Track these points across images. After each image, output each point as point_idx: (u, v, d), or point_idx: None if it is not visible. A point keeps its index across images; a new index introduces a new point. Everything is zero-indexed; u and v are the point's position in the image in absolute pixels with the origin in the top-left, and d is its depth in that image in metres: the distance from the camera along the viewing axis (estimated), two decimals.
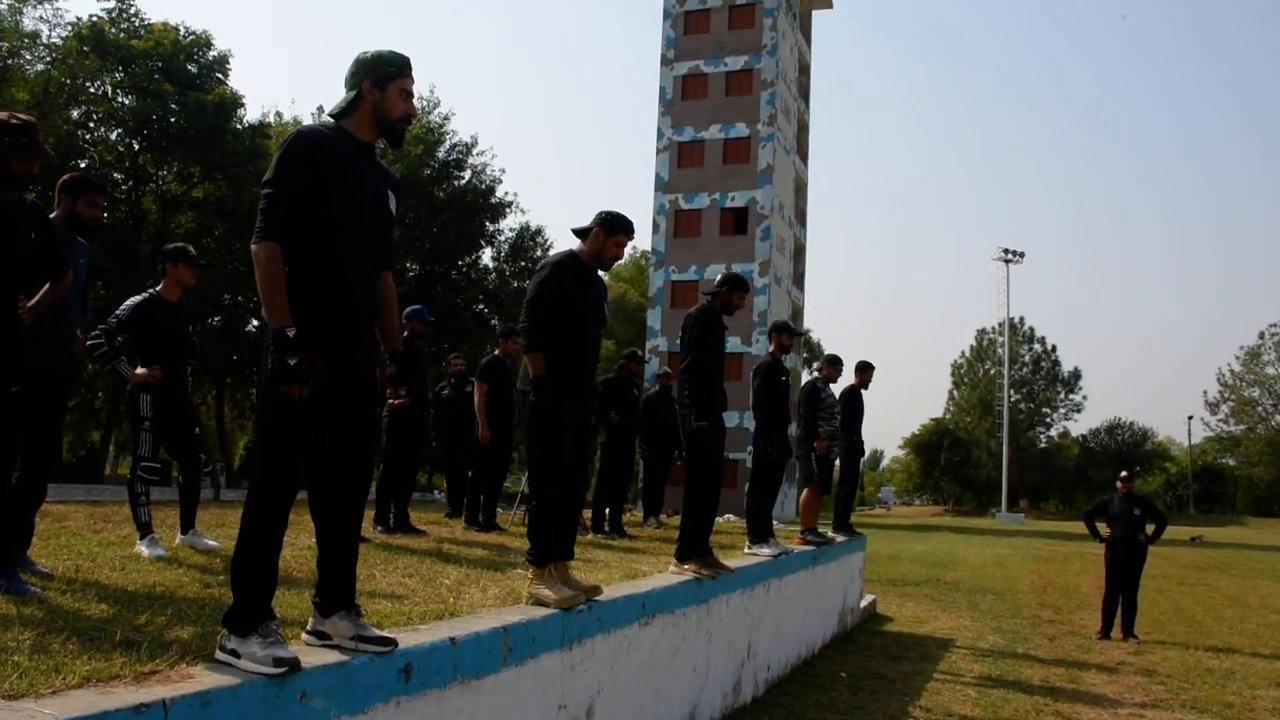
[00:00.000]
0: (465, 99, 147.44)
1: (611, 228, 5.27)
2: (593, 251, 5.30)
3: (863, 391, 11.43)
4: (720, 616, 6.82)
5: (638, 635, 5.44)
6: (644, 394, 11.81)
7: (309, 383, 3.29)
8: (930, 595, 15.47)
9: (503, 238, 44.33)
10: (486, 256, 44.35)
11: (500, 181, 44.56)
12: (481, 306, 42.03)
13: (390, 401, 8.41)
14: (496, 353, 9.71)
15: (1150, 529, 12.13)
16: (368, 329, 3.68)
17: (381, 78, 3.61)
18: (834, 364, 10.75)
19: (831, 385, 10.70)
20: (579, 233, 5.35)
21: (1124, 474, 12.68)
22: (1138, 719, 7.94)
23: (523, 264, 43.90)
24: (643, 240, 51.06)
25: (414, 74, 3.72)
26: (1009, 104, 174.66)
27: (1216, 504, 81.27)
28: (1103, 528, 12.28)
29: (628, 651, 5.33)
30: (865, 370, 11.54)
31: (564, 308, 5.12)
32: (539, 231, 45.18)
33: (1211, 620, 14.47)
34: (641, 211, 48.90)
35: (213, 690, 2.88)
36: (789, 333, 8.98)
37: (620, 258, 5.40)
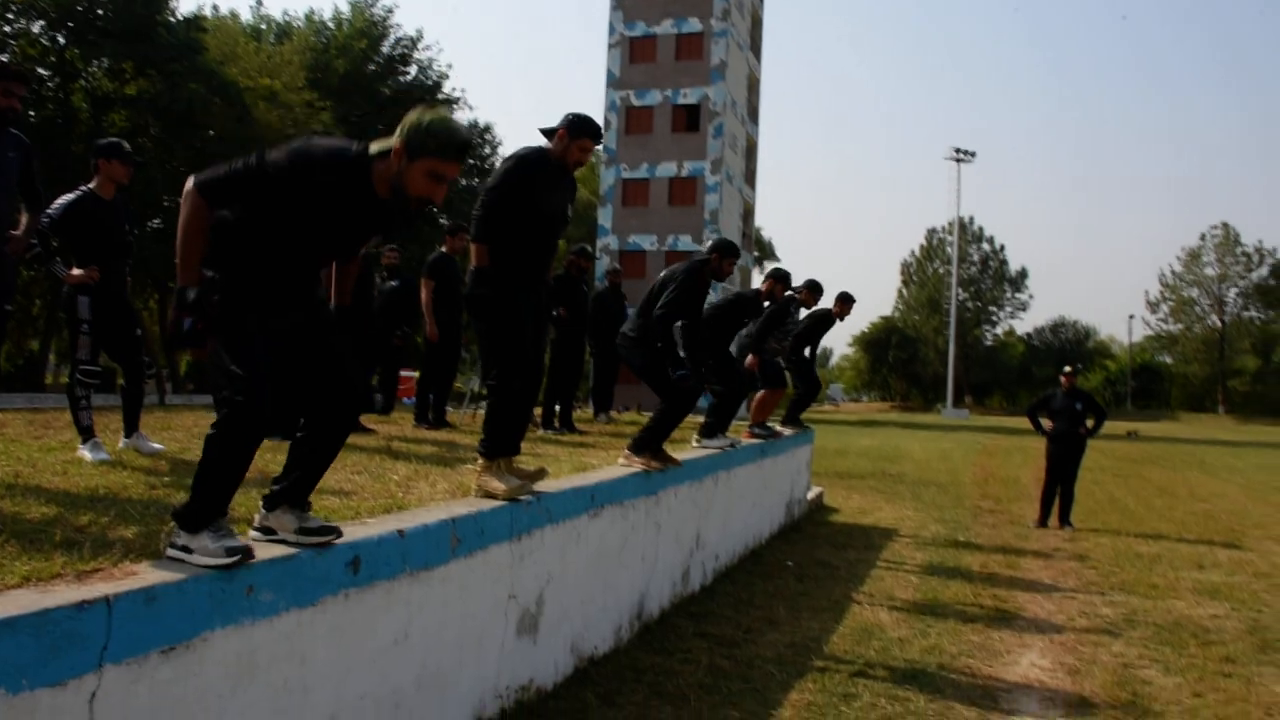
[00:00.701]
0: None
1: (577, 131, 5.16)
2: (558, 153, 5.20)
3: (836, 321, 11.59)
4: (668, 508, 6.93)
5: (587, 526, 5.52)
6: (593, 291, 11.78)
7: (204, 345, 3.24)
8: (876, 487, 15.82)
9: None
10: None
11: (447, 78, 43.72)
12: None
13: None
14: (443, 249, 9.60)
15: (1090, 423, 12.43)
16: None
17: (415, 149, 3.25)
18: (814, 291, 10.76)
19: (804, 310, 10.82)
20: (546, 133, 5.25)
21: (1068, 368, 12.93)
22: (1070, 601, 8.24)
23: (470, 161, 43.25)
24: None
25: (459, 161, 3.34)
26: (963, 3, 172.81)
27: (1153, 400, 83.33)
28: (1045, 422, 12.56)
29: (577, 542, 5.41)
30: (846, 302, 11.64)
31: (526, 205, 5.05)
32: (487, 129, 44.50)
33: (1142, 509, 14.95)
34: (593, 108, 48.17)
35: (157, 586, 2.87)
36: (785, 283, 9.60)
37: (584, 163, 5.28)
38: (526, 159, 5.14)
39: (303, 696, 3.42)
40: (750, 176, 51.83)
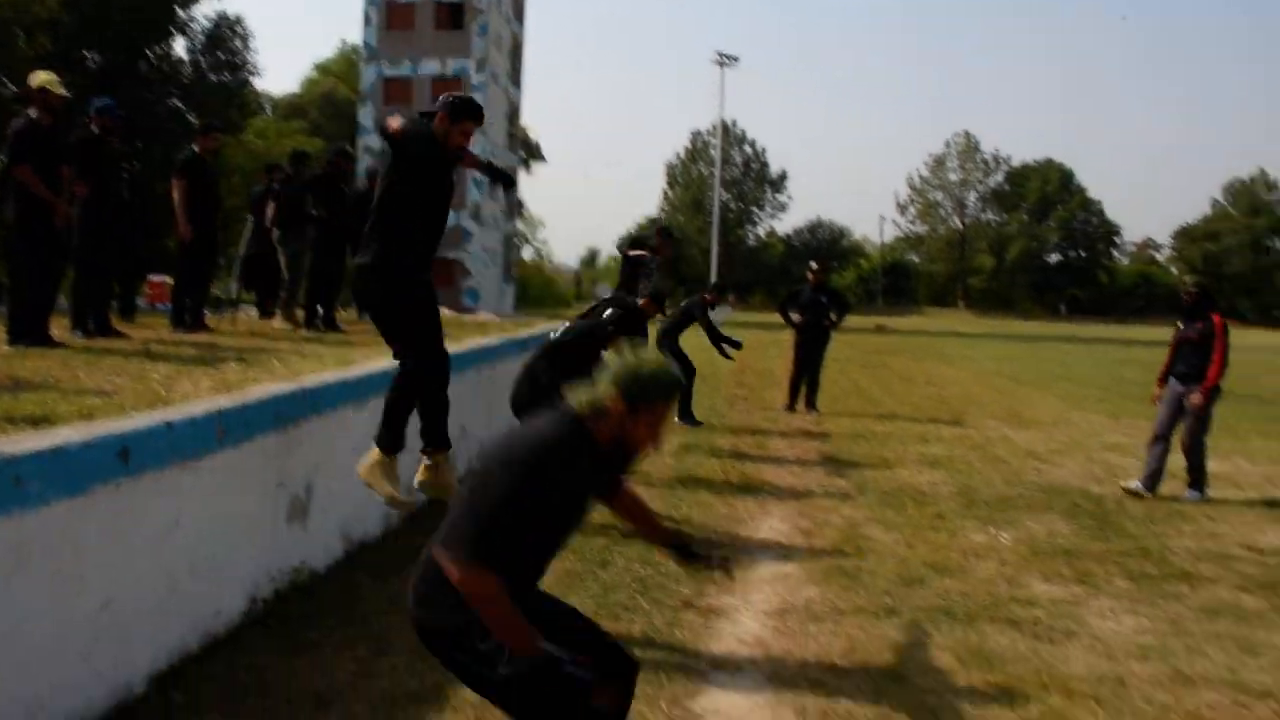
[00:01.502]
0: None
1: (456, 113, 4.83)
2: (439, 138, 4.85)
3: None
4: None
5: (352, 416, 5.74)
6: (353, 191, 11.69)
7: None
8: None
9: (197, 26, 40.91)
10: (180, 48, 40.93)
11: None
12: (176, 102, 39.04)
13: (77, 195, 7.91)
14: (195, 149, 9.33)
15: (834, 316, 13.41)
16: None
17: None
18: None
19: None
20: (425, 115, 4.93)
21: (814, 265, 13.85)
22: (809, 474, 9.08)
23: (220, 56, 40.93)
24: (353, 32, 48.52)
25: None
26: None
27: (902, 297, 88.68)
28: (795, 315, 13.44)
29: (343, 431, 5.63)
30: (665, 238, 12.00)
31: (404, 179, 4.83)
32: (239, 20, 41.98)
33: (882, 394, 16.29)
34: (351, 3, 46.21)
35: None
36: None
37: (465, 148, 4.93)
38: (419, 138, 4.80)
39: (78, 584, 3.56)
40: (516, 76, 51.23)
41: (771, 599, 5.47)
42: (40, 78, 7.23)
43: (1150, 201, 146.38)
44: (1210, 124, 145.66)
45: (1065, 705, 4.20)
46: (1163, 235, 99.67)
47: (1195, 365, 8.73)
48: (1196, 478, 8.73)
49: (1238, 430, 13.12)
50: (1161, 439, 8.80)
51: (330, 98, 63.30)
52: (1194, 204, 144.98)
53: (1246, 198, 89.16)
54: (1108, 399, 16.84)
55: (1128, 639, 5.06)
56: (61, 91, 7.23)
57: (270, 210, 10.43)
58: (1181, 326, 8.94)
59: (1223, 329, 8.73)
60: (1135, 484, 8.77)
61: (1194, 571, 6.37)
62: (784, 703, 4.13)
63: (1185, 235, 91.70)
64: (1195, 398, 8.63)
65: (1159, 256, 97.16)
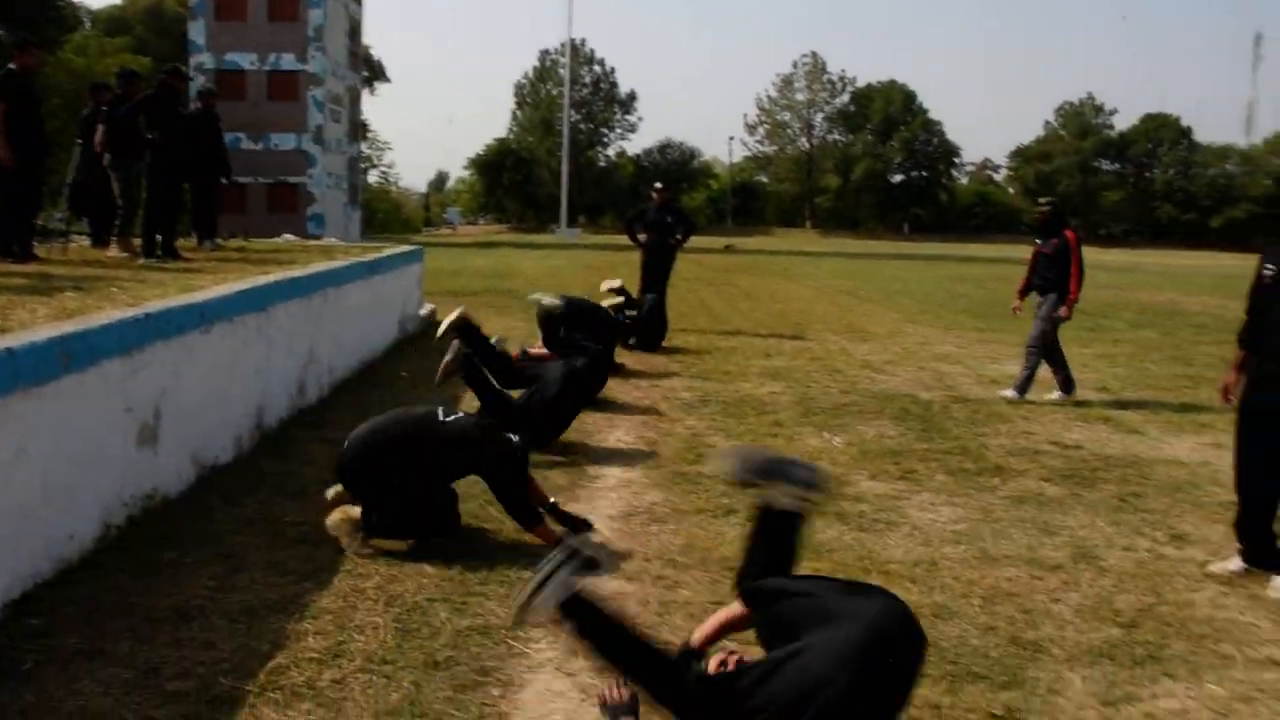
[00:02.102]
0: None
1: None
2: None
3: None
4: (279, 324, 7.21)
5: (199, 341, 5.75)
6: (187, 113, 11.34)
7: None
8: (488, 303, 16.54)
9: None
10: None
11: None
12: None
13: None
14: (13, 66, 8.90)
15: (679, 235, 13.68)
16: None
17: None
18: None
19: None
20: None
21: (658, 184, 14.09)
22: (655, 388, 9.42)
23: None
24: None
25: None
26: None
27: (751, 217, 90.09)
28: (641, 235, 13.65)
29: (190, 357, 5.64)
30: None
31: None
32: None
33: (729, 311, 16.79)
34: None
35: None
36: None
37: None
38: None
39: None
40: None
41: (617, 504, 5.78)
42: None
43: (988, 124, 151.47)
44: (1045, 48, 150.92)
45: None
46: (1000, 156, 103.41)
47: (1052, 278, 9.45)
48: (1021, 379, 9.55)
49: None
50: (1054, 348, 9.59)
51: (156, 11, 60.06)
52: (1030, 127, 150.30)
53: (1076, 120, 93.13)
54: (941, 313, 17.75)
55: (943, 527, 5.55)
56: None
57: (99, 134, 10.05)
58: (1039, 243, 9.60)
59: (1076, 243, 9.50)
60: (1010, 392, 9.51)
61: (1006, 466, 6.96)
62: (629, 596, 4.44)
63: (1020, 156, 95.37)
64: (1063, 310, 9.38)
65: (996, 177, 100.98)
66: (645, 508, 5.71)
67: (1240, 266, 41.81)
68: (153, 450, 5.25)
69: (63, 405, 4.39)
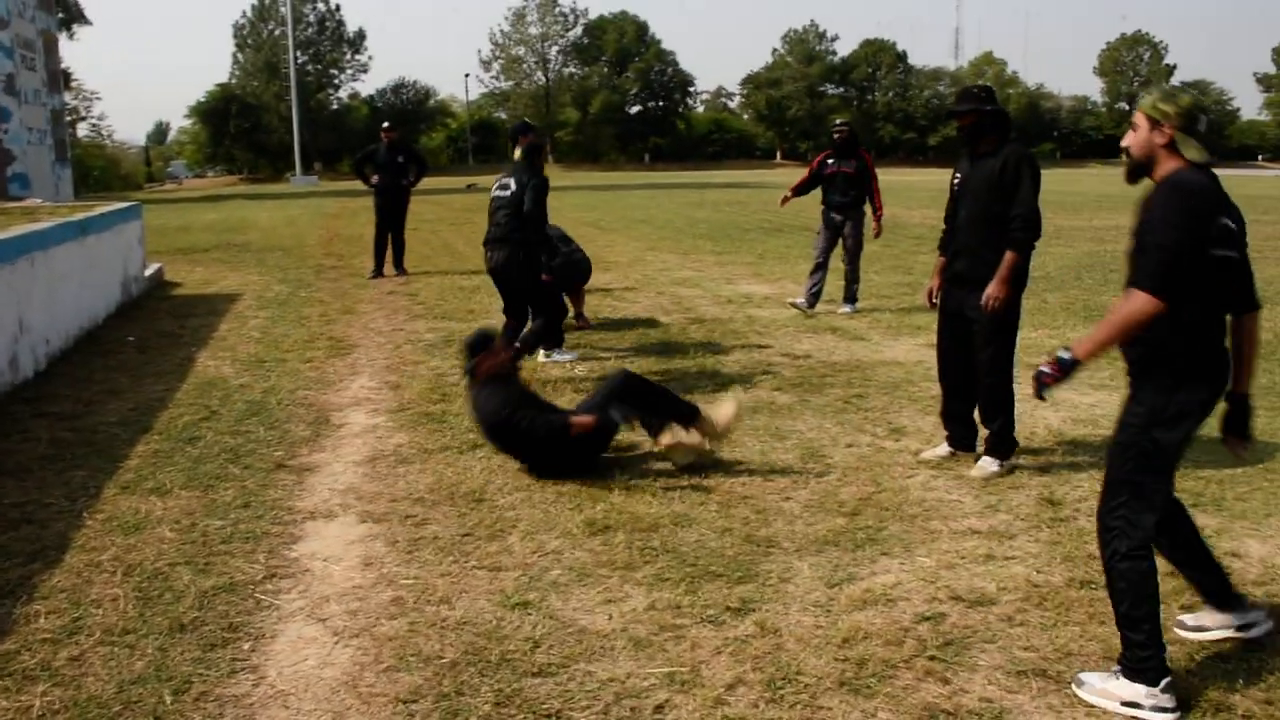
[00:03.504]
0: None
1: None
2: None
3: None
4: None
5: None
6: None
7: None
8: (220, 259, 15.86)
9: None
10: None
11: None
12: None
13: None
14: None
15: (412, 175, 13.48)
16: None
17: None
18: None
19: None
20: None
21: (385, 124, 13.80)
22: (398, 332, 9.34)
23: None
24: None
25: None
26: None
27: (492, 154, 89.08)
28: (373, 176, 13.34)
29: None
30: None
31: None
32: None
33: (471, 251, 16.67)
34: None
35: None
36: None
37: None
38: None
39: None
40: None
41: (362, 450, 5.75)
42: None
43: (720, 54, 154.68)
44: None
45: (625, 500, 4.85)
46: (732, 85, 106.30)
47: (852, 196, 10.09)
48: (852, 291, 10.39)
49: (788, 257, 14.82)
50: (821, 266, 10.15)
51: None
52: (759, 55, 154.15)
53: (802, 47, 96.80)
54: (680, 239, 18.30)
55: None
56: None
57: None
58: (832, 163, 10.13)
59: (873, 163, 10.26)
60: (800, 300, 10.12)
61: (741, 379, 7.35)
62: (377, 537, 4.47)
63: (751, 83, 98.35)
64: (875, 227, 10.23)
65: (730, 105, 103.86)
66: (391, 450, 5.72)
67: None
68: None
69: None
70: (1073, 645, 3.47)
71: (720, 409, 5.52)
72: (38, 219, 9.86)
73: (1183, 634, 3.55)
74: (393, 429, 6.17)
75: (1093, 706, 3.10)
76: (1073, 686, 3.21)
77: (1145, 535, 3.15)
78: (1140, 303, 3.00)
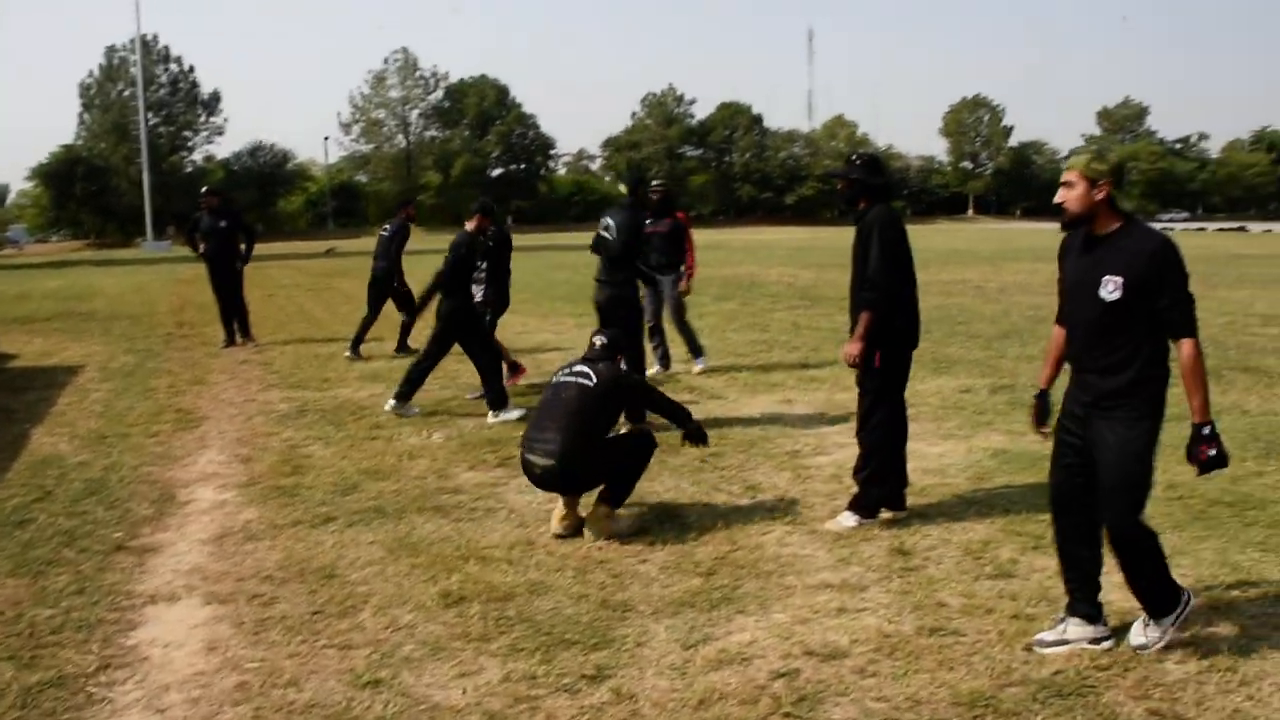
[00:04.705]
0: None
1: None
2: None
3: None
4: None
5: None
6: None
7: None
8: (62, 328, 15.20)
9: None
10: None
11: None
12: None
13: None
14: None
15: (242, 245, 13.02)
16: None
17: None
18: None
19: None
20: None
21: (205, 189, 13.58)
22: (249, 404, 9.06)
23: None
24: None
25: None
26: None
27: (353, 218, 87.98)
28: (202, 245, 12.92)
29: None
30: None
31: None
32: None
33: (328, 316, 16.42)
34: None
35: None
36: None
37: None
38: None
39: None
40: None
41: (209, 527, 5.54)
42: None
43: (580, 117, 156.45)
44: (629, 45, 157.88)
45: (481, 570, 4.79)
46: (594, 147, 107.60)
47: (670, 256, 10.14)
48: (695, 347, 10.44)
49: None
50: (656, 329, 10.13)
51: None
52: (619, 119, 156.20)
53: (660, 110, 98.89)
54: (540, 300, 18.31)
55: (539, 507, 5.75)
56: None
57: None
58: (650, 223, 9.92)
59: (687, 222, 10.42)
60: (656, 368, 10.03)
61: None
62: (222, 619, 4.30)
63: (611, 145, 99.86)
64: (684, 285, 10.22)
65: (592, 166, 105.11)
66: (240, 526, 5.52)
67: (810, 238, 46.27)
68: None
69: None
70: (922, 693, 3.55)
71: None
72: None
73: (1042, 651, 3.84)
74: (241, 504, 5.96)
75: None
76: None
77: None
78: (1195, 347, 3.60)
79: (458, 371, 10.12)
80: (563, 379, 5.57)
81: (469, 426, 7.93)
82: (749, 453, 7.04)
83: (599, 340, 5.89)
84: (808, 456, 6.91)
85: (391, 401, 8.42)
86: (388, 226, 12.81)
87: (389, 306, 12.23)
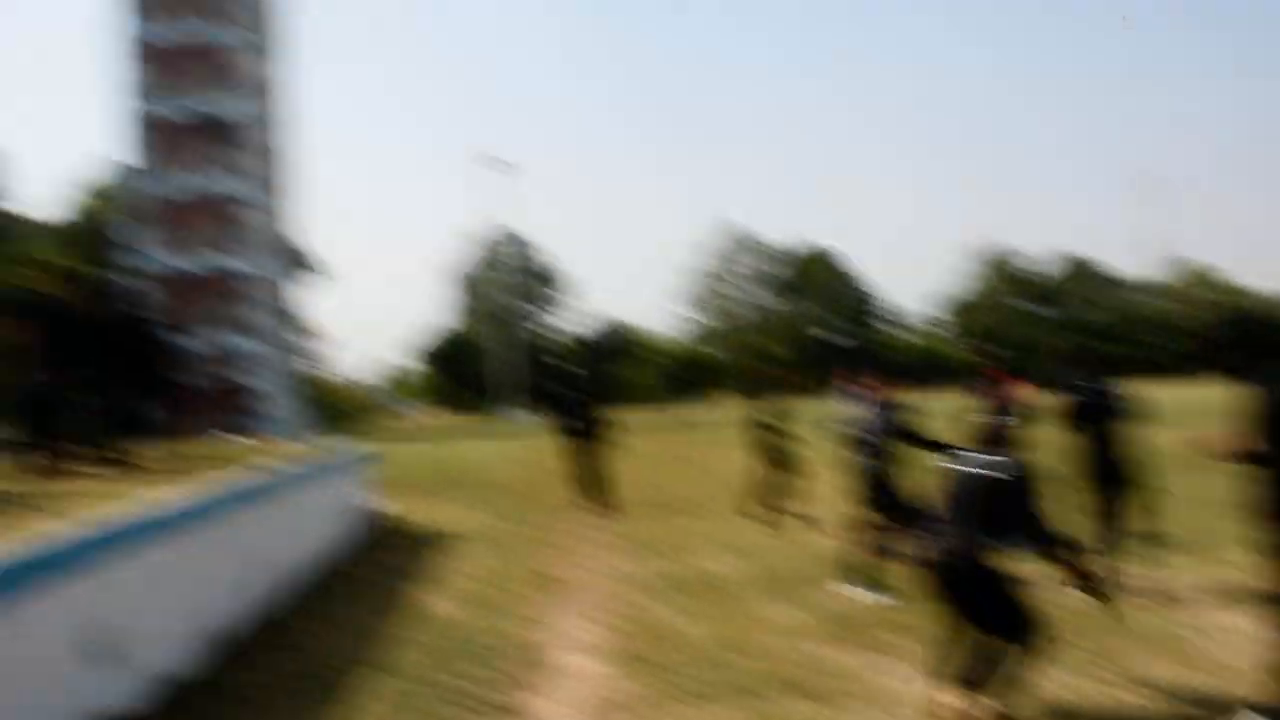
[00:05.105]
0: None
1: None
2: None
3: None
4: (236, 530, 7.15)
5: (153, 553, 5.67)
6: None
7: None
8: (442, 494, 16.39)
9: None
10: None
11: None
12: None
13: None
14: None
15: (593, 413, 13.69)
16: None
17: None
18: None
19: None
20: None
21: (561, 360, 14.40)
22: (616, 573, 9.29)
23: None
24: (115, 150, 47.35)
25: None
26: (493, 12, 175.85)
27: (699, 388, 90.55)
28: (561, 419, 13.73)
29: (144, 570, 5.55)
30: None
31: None
32: None
33: (684, 486, 16.78)
34: (112, 119, 44.88)
35: None
36: None
37: None
38: None
39: None
40: (289, 190, 50.58)
41: (584, 696, 5.66)
42: None
43: (916, 276, 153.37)
44: (948, 197, 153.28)
45: None
46: (930, 307, 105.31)
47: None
48: None
49: None
50: None
51: (95, 218, 60.65)
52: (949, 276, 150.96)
53: (999, 267, 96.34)
54: None
55: (918, 696, 5.40)
56: None
57: None
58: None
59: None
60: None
61: None
62: None
63: (956, 307, 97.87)
64: None
65: (937, 330, 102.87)
66: (613, 698, 5.61)
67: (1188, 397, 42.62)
68: (109, 668, 5.08)
69: (11, 626, 4.29)
70: None
71: None
72: (285, 459, 10.51)
73: None
74: (612, 674, 6.05)
75: None
76: None
77: None
78: None
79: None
80: None
81: (839, 603, 7.66)
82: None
83: None
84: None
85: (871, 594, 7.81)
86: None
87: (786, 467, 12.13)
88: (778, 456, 12.22)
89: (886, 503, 7.74)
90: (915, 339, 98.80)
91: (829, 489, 12.71)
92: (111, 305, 10.26)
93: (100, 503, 6.53)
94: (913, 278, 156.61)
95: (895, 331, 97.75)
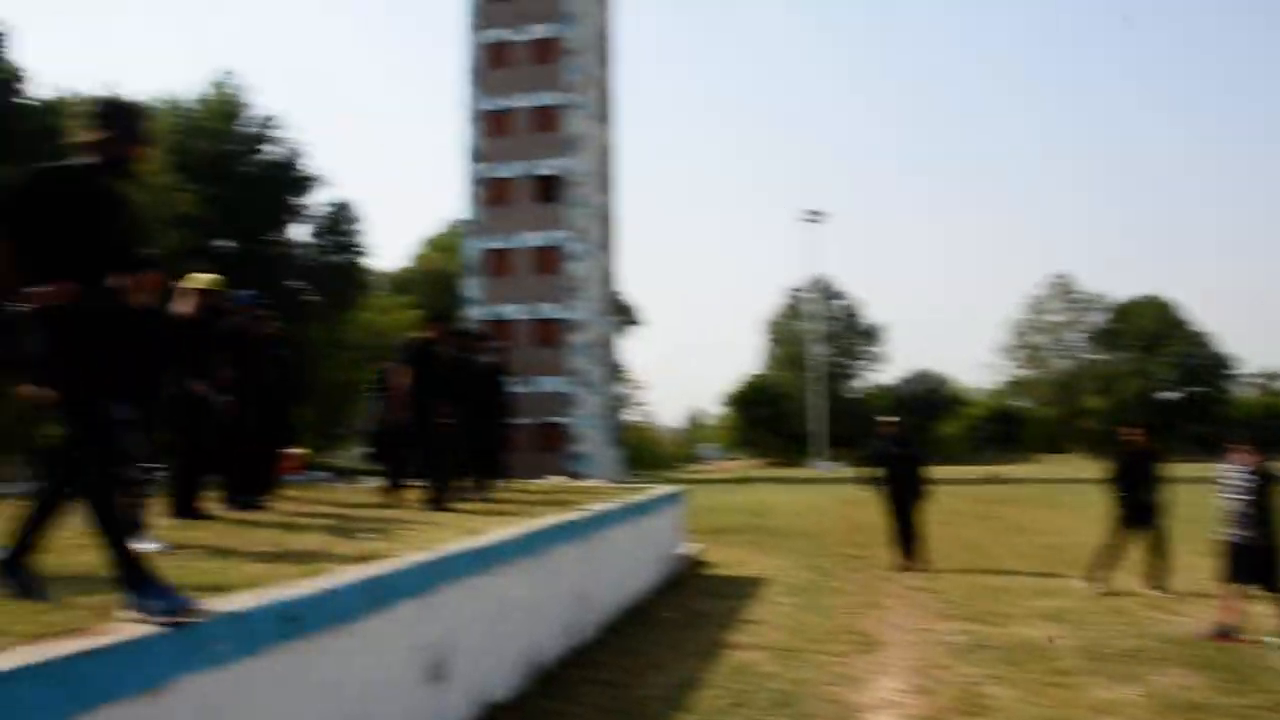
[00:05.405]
0: (267, 75, 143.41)
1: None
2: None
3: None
4: (556, 566, 7.52)
5: (481, 583, 6.07)
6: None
7: None
8: (747, 540, 16.59)
9: (314, 213, 43.86)
10: (298, 233, 43.84)
11: (301, 156, 43.98)
12: (296, 281, 41.59)
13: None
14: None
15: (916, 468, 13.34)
16: None
17: None
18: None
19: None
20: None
21: (880, 418, 14.08)
22: (925, 633, 9.05)
23: (336, 239, 43.61)
24: (457, 208, 51.54)
25: None
26: (809, 70, 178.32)
27: (1011, 443, 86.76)
28: (878, 471, 13.44)
29: (474, 598, 5.95)
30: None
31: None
32: (345, 205, 45.06)
33: (996, 546, 16.08)
34: (454, 182, 48.87)
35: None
36: None
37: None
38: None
39: None
40: (610, 243, 53.00)
41: None
42: (204, 279, 7.94)
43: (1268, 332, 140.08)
44: None
45: None
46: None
47: None
48: None
49: None
50: None
51: (436, 271, 65.93)
52: None
53: None
54: None
55: None
56: (220, 290, 8.03)
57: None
58: None
59: None
60: None
61: None
62: None
63: None
64: None
65: None
66: None
67: None
68: (439, 687, 5.50)
69: (367, 641, 4.73)
70: None
71: None
72: (603, 499, 10.95)
73: None
74: None
75: None
76: None
77: None
78: None
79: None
80: None
81: (1169, 685, 7.12)
82: None
83: None
84: None
85: None
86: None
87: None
88: (1135, 522, 11.47)
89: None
90: (1253, 395, 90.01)
91: (1184, 561, 11.89)
92: (472, 350, 10.98)
93: (435, 532, 7.06)
94: (1261, 330, 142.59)
95: (1235, 388, 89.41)
